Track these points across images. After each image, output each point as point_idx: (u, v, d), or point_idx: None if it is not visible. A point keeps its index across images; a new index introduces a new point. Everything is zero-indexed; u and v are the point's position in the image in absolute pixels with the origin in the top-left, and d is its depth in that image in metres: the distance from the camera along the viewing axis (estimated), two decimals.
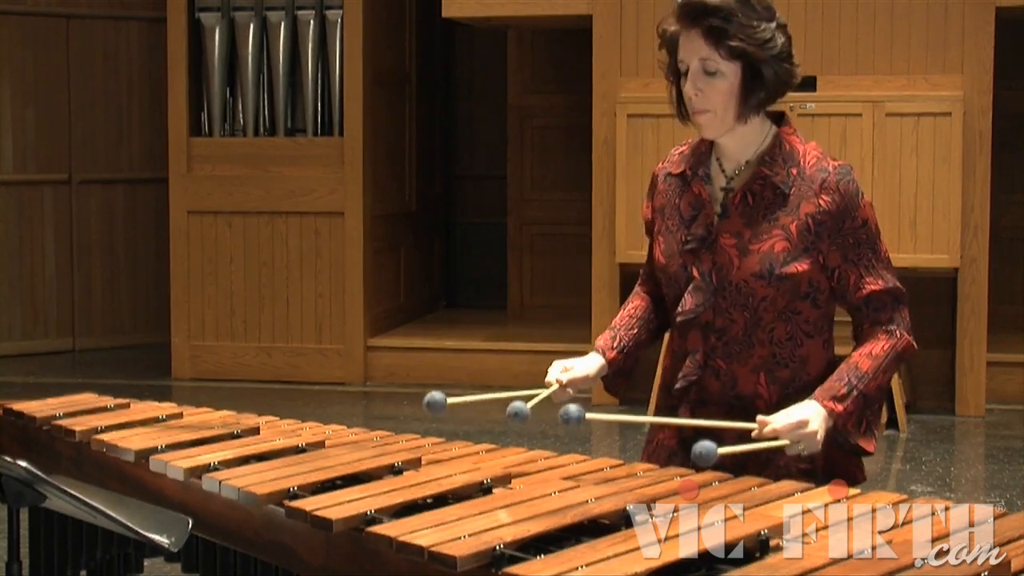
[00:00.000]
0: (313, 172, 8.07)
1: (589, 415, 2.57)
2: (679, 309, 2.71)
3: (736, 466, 2.60)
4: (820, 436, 2.54)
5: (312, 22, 8.08)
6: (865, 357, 2.63)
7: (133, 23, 9.28)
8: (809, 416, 2.54)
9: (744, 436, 2.57)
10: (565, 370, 2.74)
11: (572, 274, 8.61)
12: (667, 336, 2.87)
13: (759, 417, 2.54)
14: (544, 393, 2.70)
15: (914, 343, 2.69)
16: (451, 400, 2.64)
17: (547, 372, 2.76)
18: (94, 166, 9.23)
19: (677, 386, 2.73)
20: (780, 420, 2.53)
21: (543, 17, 7.70)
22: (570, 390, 2.73)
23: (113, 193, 9.32)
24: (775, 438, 2.53)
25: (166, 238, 8.32)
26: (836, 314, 2.75)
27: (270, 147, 8.15)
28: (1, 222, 8.93)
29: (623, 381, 2.86)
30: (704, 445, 2.40)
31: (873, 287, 2.65)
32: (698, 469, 2.49)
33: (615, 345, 2.82)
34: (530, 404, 2.59)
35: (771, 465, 2.65)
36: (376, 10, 8.19)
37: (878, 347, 2.64)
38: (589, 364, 2.77)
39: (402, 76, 8.87)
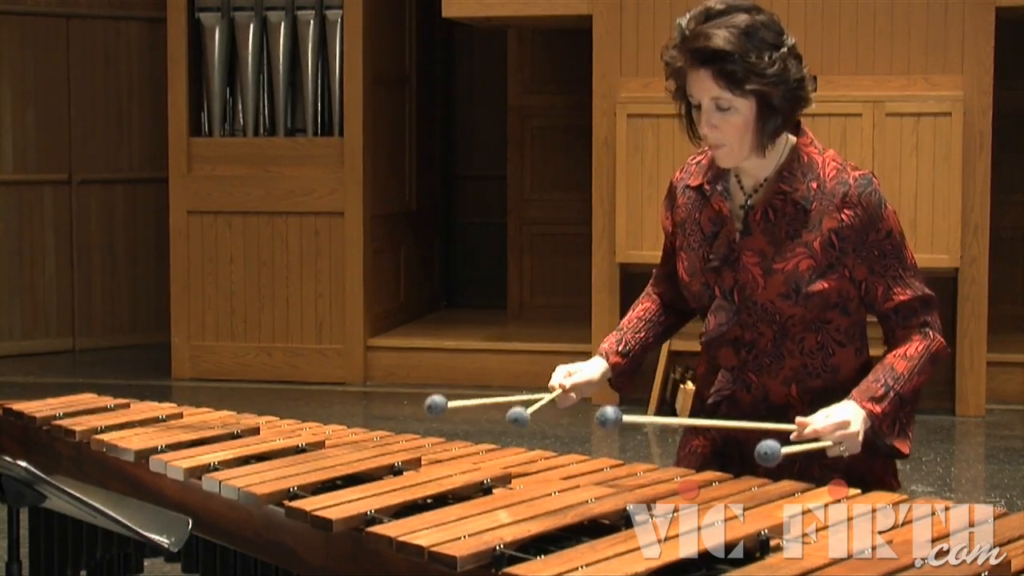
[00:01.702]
0: (313, 172, 8.07)
1: (627, 417, 2.54)
2: (703, 329, 2.70)
3: (769, 473, 2.57)
4: (861, 437, 2.51)
5: (312, 22, 8.08)
6: (900, 358, 2.60)
7: (133, 23, 9.28)
8: (850, 417, 2.51)
9: (782, 437, 2.52)
10: (568, 375, 2.72)
11: (572, 274, 8.61)
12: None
13: (798, 419, 2.51)
14: (547, 398, 2.68)
15: (946, 345, 2.67)
16: (452, 404, 2.63)
17: (550, 375, 2.74)
18: (94, 166, 9.23)
19: (710, 401, 2.71)
20: (821, 421, 2.50)
21: (543, 17, 7.70)
22: (573, 395, 2.71)
23: (113, 193, 9.32)
24: (816, 440, 2.50)
25: (166, 238, 8.32)
26: (868, 318, 2.72)
27: (270, 147, 8.15)
28: (1, 222, 8.93)
29: (627, 380, 2.84)
30: (768, 444, 2.36)
31: (902, 297, 2.62)
32: (762, 468, 2.45)
33: (620, 349, 2.79)
34: (531, 409, 2.57)
35: (807, 476, 2.60)
36: (376, 10, 8.19)
37: (912, 348, 2.61)
38: (593, 368, 2.75)
39: (402, 76, 8.87)
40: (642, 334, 2.82)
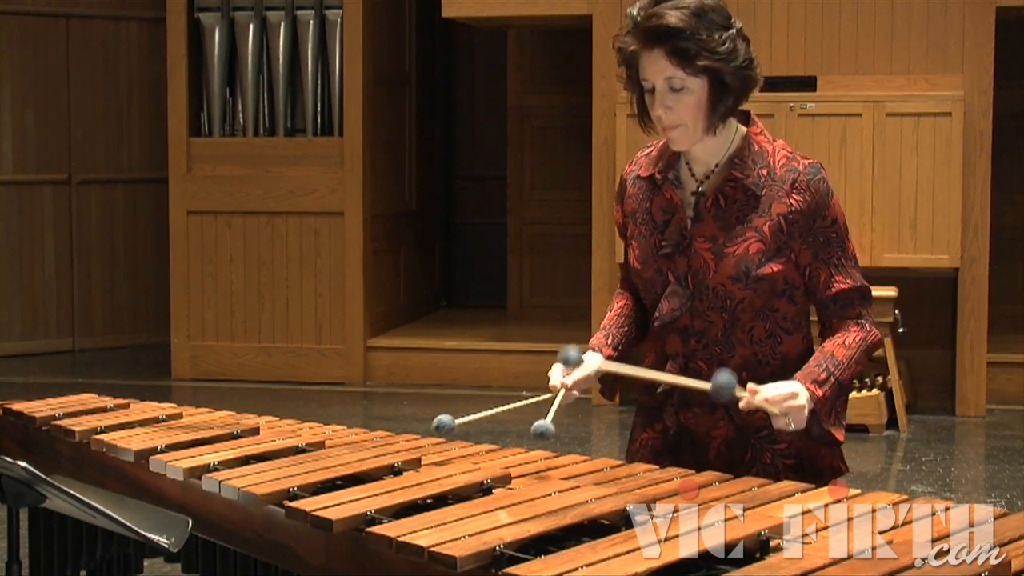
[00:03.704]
0: (313, 172, 8.07)
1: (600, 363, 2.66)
2: (656, 314, 2.72)
3: (724, 465, 2.63)
4: (806, 411, 2.56)
5: (312, 22, 8.08)
6: (839, 347, 2.65)
7: (133, 23, 9.29)
8: (797, 391, 2.56)
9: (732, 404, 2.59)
10: (567, 373, 2.72)
11: (572, 274, 8.61)
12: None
13: (750, 385, 2.55)
14: (556, 401, 2.68)
15: (881, 337, 2.73)
16: (459, 420, 2.64)
17: (548, 376, 2.74)
18: (94, 166, 9.23)
19: (659, 390, 2.73)
20: (771, 390, 2.55)
21: (543, 17, 7.70)
22: (575, 392, 2.72)
23: (113, 193, 9.32)
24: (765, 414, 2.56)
25: (166, 238, 8.32)
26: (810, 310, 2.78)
27: (270, 147, 8.15)
28: (1, 222, 8.93)
29: (618, 384, 2.85)
30: (724, 377, 2.39)
31: (842, 285, 2.67)
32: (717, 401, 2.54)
33: (610, 342, 2.81)
34: (549, 417, 2.59)
35: (758, 462, 2.67)
36: (376, 10, 8.19)
37: (850, 338, 2.66)
38: (589, 363, 2.75)
39: (402, 76, 8.87)
40: (626, 328, 2.84)
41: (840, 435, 2.66)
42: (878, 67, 7.11)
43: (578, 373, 2.72)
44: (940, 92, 6.98)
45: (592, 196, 7.49)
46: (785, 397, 2.54)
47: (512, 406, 2.73)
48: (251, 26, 8.14)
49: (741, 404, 2.56)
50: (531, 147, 9.13)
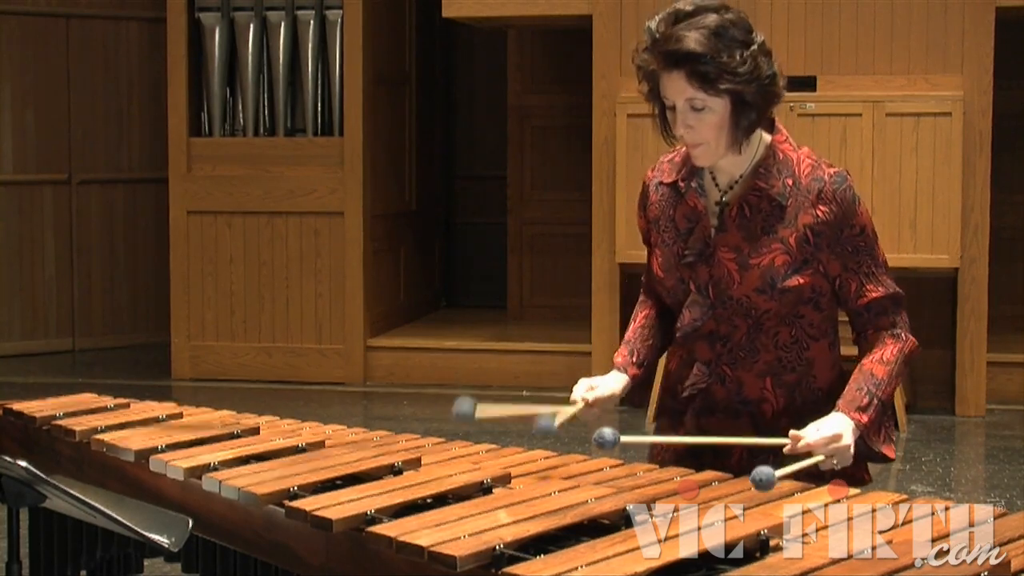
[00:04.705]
0: (313, 172, 8.07)
1: (625, 438, 2.56)
2: (678, 324, 2.70)
3: (747, 472, 2.59)
4: (852, 449, 2.54)
5: (312, 22, 8.08)
6: (878, 363, 2.62)
7: (133, 23, 9.28)
8: (841, 430, 2.53)
9: (776, 451, 2.54)
10: (590, 389, 2.71)
11: (572, 274, 8.61)
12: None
13: (792, 432, 2.52)
14: (571, 411, 2.67)
15: (917, 344, 2.69)
16: (479, 415, 2.60)
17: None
18: (94, 166, 9.23)
19: (684, 394, 2.72)
20: (813, 435, 2.51)
21: (543, 17, 7.70)
22: (596, 409, 2.70)
23: (113, 193, 9.32)
24: (809, 454, 2.51)
25: (166, 238, 8.32)
26: (839, 315, 2.75)
27: (270, 147, 8.15)
28: (1, 222, 8.93)
29: (646, 392, 2.85)
30: (763, 472, 2.35)
31: (875, 294, 2.64)
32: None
33: (635, 360, 2.79)
34: (557, 421, 2.58)
35: (779, 467, 2.63)
36: (376, 10, 8.19)
37: (888, 352, 2.64)
38: (613, 382, 2.75)
39: (402, 76, 8.87)
40: (650, 341, 2.82)
41: (891, 452, 2.64)
42: (878, 67, 7.11)
43: (601, 391, 2.71)
44: (940, 92, 6.98)
45: (592, 196, 7.48)
46: (828, 440, 2.51)
47: (534, 409, 2.70)
48: (251, 26, 8.14)
49: (785, 450, 2.52)
50: (531, 147, 9.12)
